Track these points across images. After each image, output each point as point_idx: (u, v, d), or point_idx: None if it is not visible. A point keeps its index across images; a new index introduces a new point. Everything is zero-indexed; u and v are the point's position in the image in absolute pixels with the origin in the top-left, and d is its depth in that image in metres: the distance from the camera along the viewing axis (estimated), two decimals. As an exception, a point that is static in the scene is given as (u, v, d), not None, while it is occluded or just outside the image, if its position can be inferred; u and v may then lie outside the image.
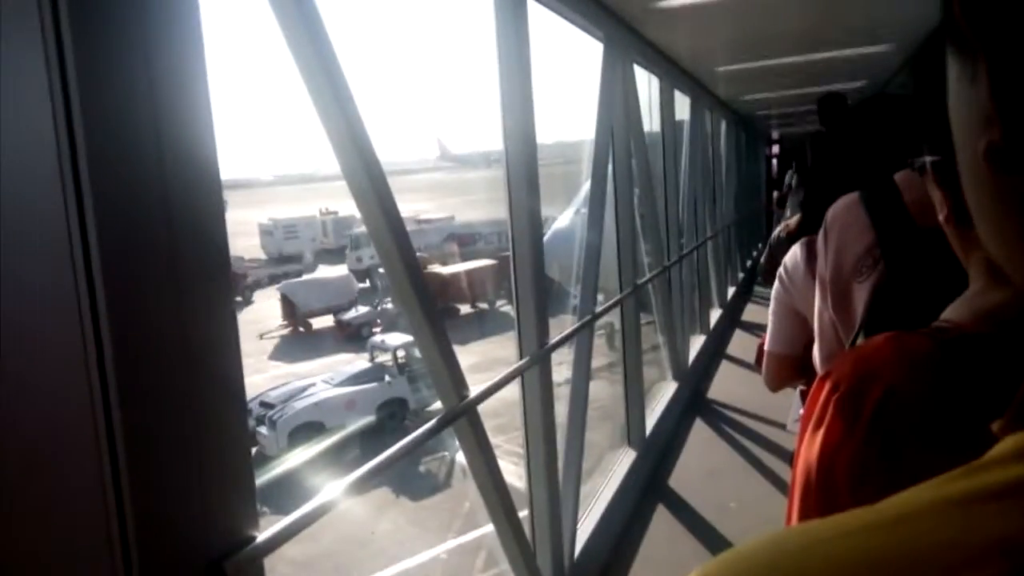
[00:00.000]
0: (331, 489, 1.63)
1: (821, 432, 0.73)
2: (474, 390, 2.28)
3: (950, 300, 1.13)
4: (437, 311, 2.20)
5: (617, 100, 4.32)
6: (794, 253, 1.80)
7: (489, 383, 2.43)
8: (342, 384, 16.10)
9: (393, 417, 15.85)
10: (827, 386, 0.75)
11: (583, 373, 3.68)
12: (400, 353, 16.68)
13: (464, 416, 2.22)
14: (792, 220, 2.96)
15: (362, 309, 21.99)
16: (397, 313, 21.39)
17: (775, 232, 3.10)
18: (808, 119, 11.92)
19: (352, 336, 20.59)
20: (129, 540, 1.02)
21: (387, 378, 16.43)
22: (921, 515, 0.27)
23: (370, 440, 14.55)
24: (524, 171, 2.83)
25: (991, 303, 0.71)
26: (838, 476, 0.71)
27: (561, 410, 3.32)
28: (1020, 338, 0.66)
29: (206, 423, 1.16)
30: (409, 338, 17.41)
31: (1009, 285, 0.73)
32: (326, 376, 16.79)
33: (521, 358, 2.81)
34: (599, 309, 3.86)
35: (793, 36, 5.21)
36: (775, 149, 16.16)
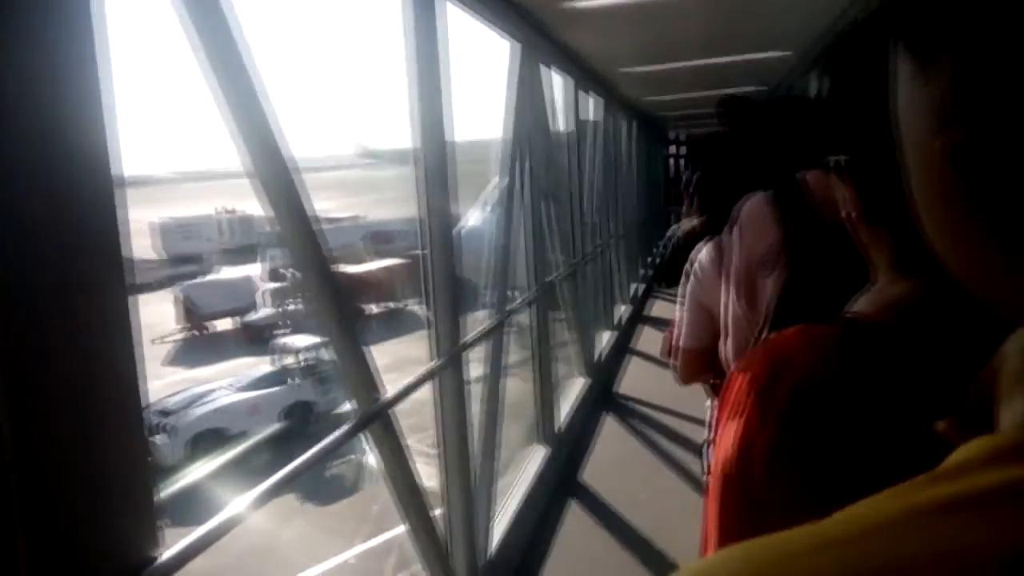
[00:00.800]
0: (239, 502, 1.56)
1: (737, 422, 0.75)
2: (388, 392, 2.23)
3: (851, 294, 1.18)
4: (350, 312, 2.15)
5: (527, 101, 4.34)
6: (703, 251, 1.85)
7: (403, 384, 2.39)
8: (244, 389, 15.56)
9: (299, 421, 15.44)
10: (742, 376, 0.76)
11: (496, 371, 3.68)
12: (306, 355, 16.27)
13: (378, 419, 2.17)
14: (695, 221, 3.04)
15: (266, 310, 21.36)
16: (303, 314, 20.88)
17: (673, 234, 3.18)
18: (707, 121, 12.33)
19: (256, 339, 19.93)
20: (20, 569, 0.94)
21: (292, 381, 15.98)
22: (895, 526, 0.26)
23: (279, 445, 14.16)
24: (437, 170, 2.80)
25: (895, 295, 0.74)
26: (755, 464, 0.72)
27: (475, 407, 3.32)
28: (922, 327, 0.70)
29: (100, 437, 1.08)
30: (316, 339, 17.02)
31: (912, 278, 0.77)
32: (227, 381, 16.18)
33: (435, 358, 2.78)
34: (511, 307, 3.86)
35: (694, 41, 5.37)
36: (675, 149, 16.63)
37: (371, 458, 2.39)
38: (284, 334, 19.37)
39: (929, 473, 0.26)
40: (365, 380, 2.16)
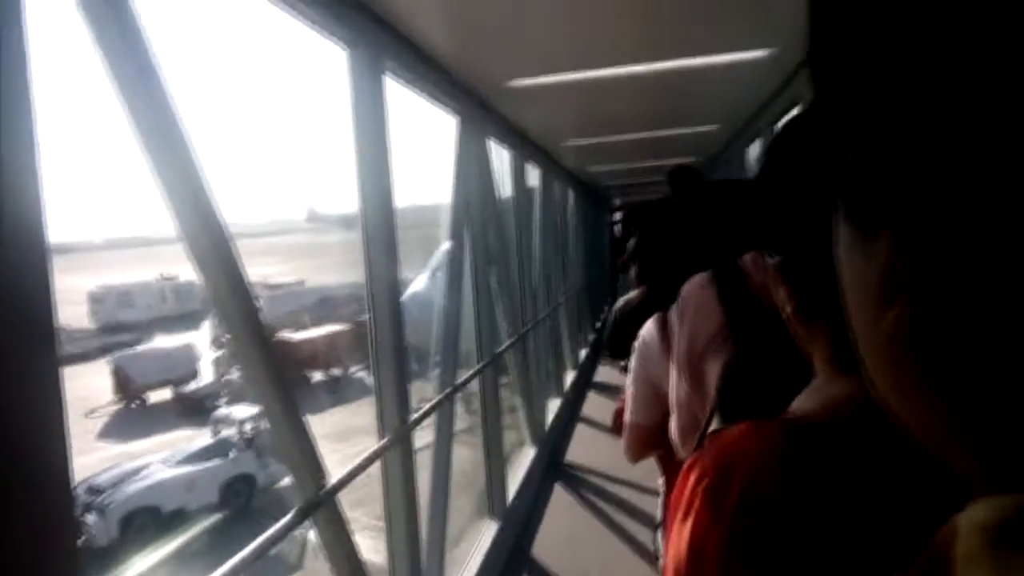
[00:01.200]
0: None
1: (689, 522, 0.74)
2: (333, 476, 2.17)
3: (797, 380, 1.20)
4: (290, 389, 2.08)
5: (473, 172, 4.40)
6: (649, 328, 1.86)
7: (349, 468, 2.32)
8: (181, 463, 14.93)
9: (238, 495, 14.84)
10: (692, 476, 0.76)
11: (445, 446, 3.62)
12: (248, 426, 15.76)
13: (323, 506, 2.10)
14: (634, 293, 3.08)
15: (206, 379, 20.71)
16: (244, 383, 20.29)
17: (616, 306, 3.21)
18: (649, 189, 12.70)
19: (194, 409, 19.26)
20: None
21: (232, 453, 15.42)
22: None
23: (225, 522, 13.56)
24: (382, 235, 2.80)
25: (834, 395, 0.75)
26: (707, 565, 0.72)
27: (422, 478, 3.24)
28: (864, 429, 0.71)
29: (26, 526, 1.02)
30: (257, 409, 16.51)
31: (850, 377, 0.78)
32: (163, 455, 15.51)
33: (382, 436, 2.72)
34: (459, 380, 3.83)
35: (630, 117, 5.58)
36: (617, 216, 17.00)
37: (314, 534, 2.29)
38: (224, 404, 18.79)
39: None
40: (308, 463, 2.09)
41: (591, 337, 11.24)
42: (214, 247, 1.76)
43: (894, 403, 0.36)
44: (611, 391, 8.00)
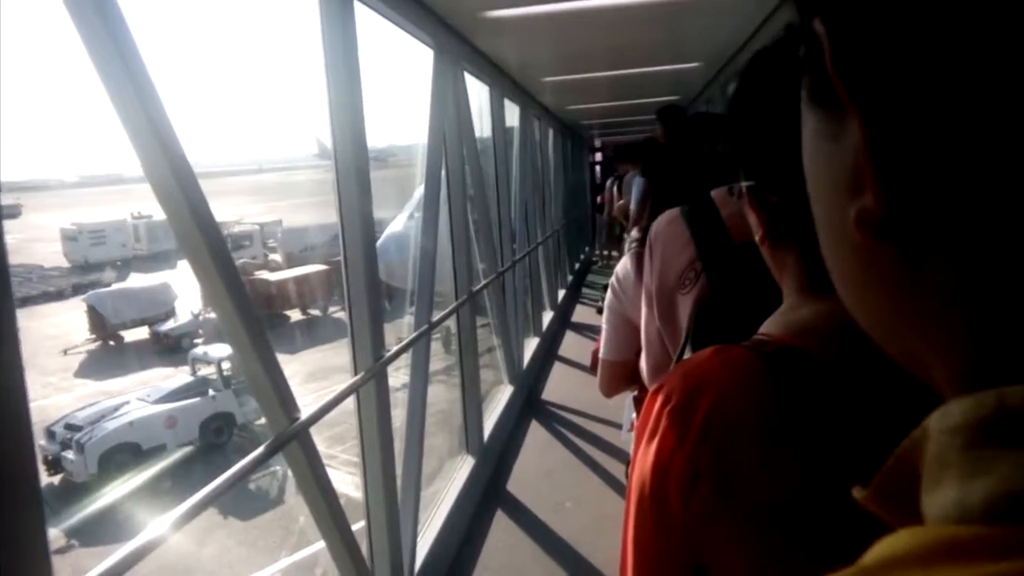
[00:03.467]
0: (156, 525, 1.50)
1: (654, 443, 0.75)
2: (306, 410, 2.16)
3: (768, 312, 1.20)
4: (261, 325, 2.06)
5: (449, 107, 4.31)
6: (624, 264, 1.86)
7: (321, 403, 2.32)
8: (160, 401, 14.93)
9: (220, 433, 14.95)
10: (659, 399, 0.77)
11: (421, 383, 3.63)
12: (226, 365, 15.77)
13: (295, 439, 2.09)
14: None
15: (184, 318, 20.59)
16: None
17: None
18: (629, 129, 12.60)
19: (171, 348, 19.19)
20: None
21: (211, 392, 15.46)
22: None
23: (206, 457, 13.67)
24: (355, 174, 2.74)
25: (802, 318, 0.76)
26: (671, 484, 0.73)
27: (398, 416, 3.27)
28: (830, 349, 0.71)
29: None
30: (235, 349, 16.50)
31: (819, 298, 0.78)
32: (142, 393, 15.51)
33: (356, 372, 2.71)
34: (436, 317, 3.82)
35: (611, 52, 5.47)
36: (598, 156, 16.90)
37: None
38: (203, 343, 18.74)
39: (851, 570, 0.24)
40: (281, 398, 2.08)
41: (570, 278, 11.28)
42: (181, 187, 1.71)
43: (862, 306, 0.34)
44: (588, 331, 8.07)
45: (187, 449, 13.94)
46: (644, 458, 0.76)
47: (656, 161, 3.17)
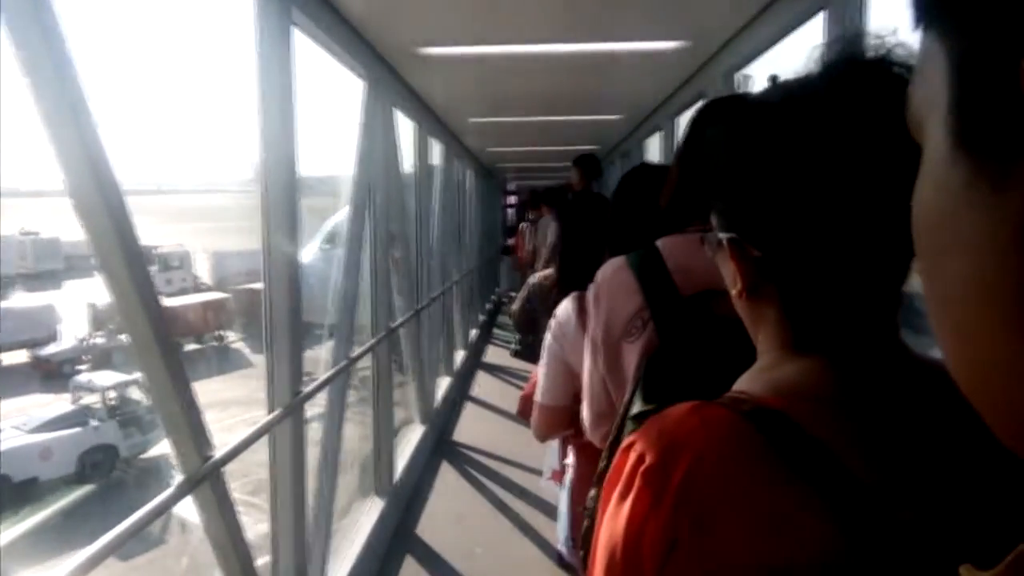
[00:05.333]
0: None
1: (626, 505, 0.71)
2: (220, 449, 2.03)
3: (720, 364, 1.20)
4: (178, 353, 1.93)
5: (378, 140, 4.27)
6: (566, 307, 1.85)
7: (237, 440, 2.18)
8: (36, 430, 13.92)
9: (98, 467, 14.02)
10: (631, 457, 0.73)
11: (337, 421, 3.50)
12: (111, 394, 14.87)
13: (207, 480, 1.96)
14: (549, 272, 3.09)
15: (67, 342, 19.36)
16: (110, 348, 19.12)
17: (532, 281, 3.21)
18: (545, 175, 12.84)
19: (52, 375, 17.97)
20: None
21: (93, 422, 14.51)
22: None
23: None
24: (283, 202, 2.65)
25: (785, 377, 0.74)
26: (645, 548, 0.69)
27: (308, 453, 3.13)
28: (815, 413, 0.70)
29: None
30: (125, 377, 15.61)
31: (799, 358, 0.77)
32: (16, 422, 14.41)
33: (272, 407, 2.58)
34: (355, 354, 3.71)
35: (536, 99, 5.58)
36: (511, 199, 17.13)
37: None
38: (87, 369, 17.65)
39: None
40: (194, 433, 1.94)
41: (482, 318, 11.28)
42: (105, 205, 1.60)
43: (1010, 379, 0.30)
44: (500, 371, 8.05)
45: (86, 488, 12.97)
46: (615, 520, 0.72)
47: (572, 207, 3.25)
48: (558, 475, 2.37)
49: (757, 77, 3.87)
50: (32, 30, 1.44)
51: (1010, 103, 0.25)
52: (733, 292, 0.81)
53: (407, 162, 5.60)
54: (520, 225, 10.87)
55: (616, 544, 0.71)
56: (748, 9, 3.15)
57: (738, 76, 3.85)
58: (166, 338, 1.82)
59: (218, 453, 2.00)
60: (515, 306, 3.39)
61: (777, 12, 2.99)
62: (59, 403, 15.79)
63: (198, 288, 24.42)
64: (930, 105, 0.32)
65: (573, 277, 2.63)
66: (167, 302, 21.30)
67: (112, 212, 1.63)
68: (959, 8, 0.28)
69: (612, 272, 1.44)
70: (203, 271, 25.81)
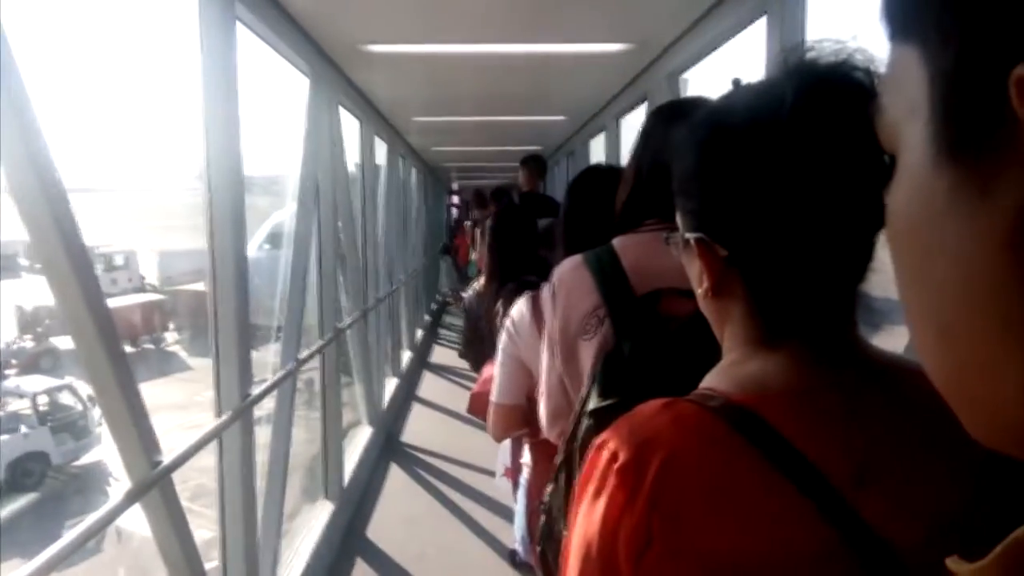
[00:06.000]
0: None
1: (600, 502, 0.72)
2: (169, 454, 1.98)
3: (677, 362, 1.23)
4: (125, 356, 1.87)
5: (323, 137, 4.21)
6: (520, 307, 1.86)
7: (185, 446, 2.13)
8: (-39, 439, 13.30)
9: (29, 475, 13.45)
10: (603, 455, 0.74)
11: (285, 423, 3.44)
12: (42, 399, 14.29)
13: (156, 487, 1.91)
14: (479, 283, 3.12)
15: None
16: (39, 352, 18.37)
17: (467, 299, 3.23)
18: (490, 173, 12.84)
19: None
20: None
21: (23, 429, 13.92)
22: None
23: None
24: (229, 200, 2.59)
25: (751, 373, 0.76)
26: (620, 544, 0.70)
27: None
28: (784, 407, 0.72)
29: None
30: (56, 382, 15.02)
31: (766, 353, 0.80)
32: (-62, 430, 13.75)
33: (220, 411, 2.53)
34: (303, 355, 3.65)
35: (480, 99, 5.59)
36: (455, 199, 17.08)
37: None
38: (14, 375, 16.92)
39: None
40: (143, 439, 1.89)
41: (427, 319, 11.23)
42: (48, 204, 1.55)
43: (997, 375, 0.31)
44: (447, 372, 8.02)
45: (19, 498, 12.39)
46: (589, 518, 0.73)
47: (510, 208, 3.28)
48: (511, 473, 2.39)
49: (701, 79, 3.96)
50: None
51: (995, 112, 0.27)
52: (699, 291, 0.83)
53: (352, 161, 5.55)
54: (464, 223, 10.85)
55: (591, 541, 0.72)
56: (692, 13, 3.22)
57: (681, 79, 3.93)
58: (113, 340, 1.77)
59: (167, 458, 1.95)
60: (463, 335, 3.39)
61: (720, 16, 3.05)
62: (-16, 411, 15.12)
63: (143, 288, 23.60)
64: (907, 114, 0.33)
65: (506, 274, 2.68)
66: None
67: (55, 211, 1.58)
68: (942, 23, 0.29)
69: (569, 270, 1.45)
70: (149, 270, 24.94)
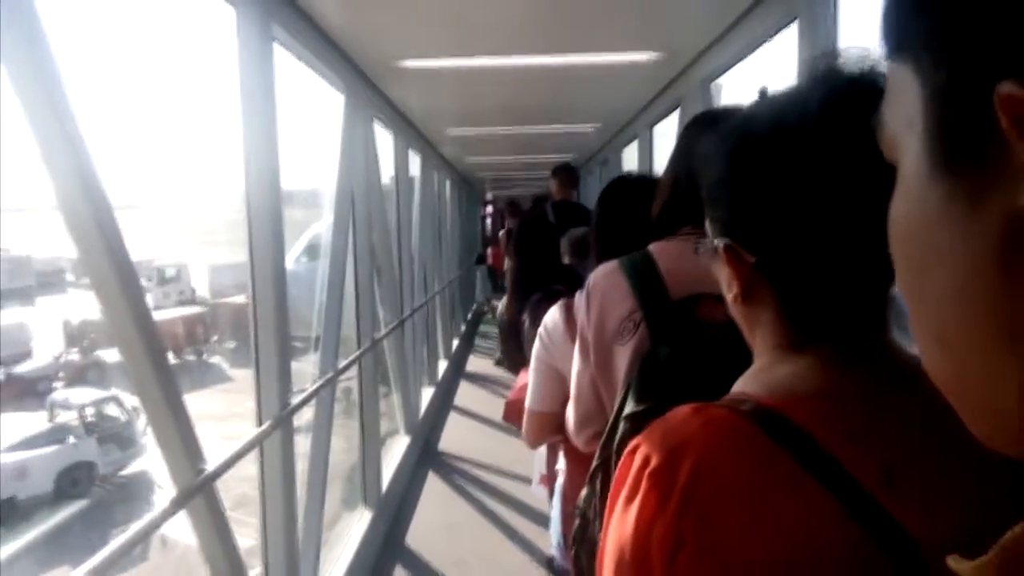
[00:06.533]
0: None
1: (633, 507, 0.73)
2: (212, 462, 2.03)
3: (711, 367, 1.23)
4: (169, 367, 1.94)
5: (358, 152, 4.29)
6: (553, 314, 1.88)
7: (229, 453, 2.19)
8: (12, 449, 13.65)
9: (77, 484, 13.79)
10: (636, 460, 0.75)
11: (325, 432, 3.50)
12: (89, 410, 14.65)
13: (200, 494, 1.96)
14: (503, 303, 3.15)
15: (41, 360, 19.03)
16: (85, 365, 18.84)
17: (500, 308, 3.26)
18: (523, 183, 12.89)
19: (26, 392, 17.65)
20: None
21: (71, 439, 14.27)
22: None
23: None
24: (268, 214, 2.66)
25: (781, 378, 0.77)
26: (653, 548, 0.71)
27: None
28: (817, 414, 0.72)
29: None
30: (102, 394, 15.39)
31: (795, 357, 0.80)
32: (-9, 440, 14.16)
33: (261, 420, 2.59)
34: (342, 364, 3.72)
35: (512, 109, 5.63)
36: (489, 209, 17.15)
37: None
38: (63, 387, 17.36)
39: None
40: (187, 447, 1.95)
41: (463, 328, 11.28)
42: (96, 220, 1.62)
43: (993, 381, 0.32)
44: (483, 380, 8.05)
45: (67, 507, 12.71)
46: (622, 522, 0.74)
47: (532, 219, 3.30)
48: (546, 480, 2.40)
49: (733, 85, 3.95)
50: (21, 49, 1.46)
51: (983, 127, 0.28)
52: (729, 296, 0.84)
53: (387, 173, 5.63)
54: (499, 233, 10.88)
55: (625, 545, 0.73)
56: (722, 21, 3.22)
57: (714, 85, 3.92)
58: (158, 351, 1.84)
59: (210, 466, 2.01)
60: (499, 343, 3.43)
61: (751, 23, 3.05)
62: (35, 421, 15.54)
63: (195, 300, 24.09)
64: (905, 127, 0.34)
65: (529, 284, 2.71)
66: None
67: (102, 227, 1.64)
68: (933, 44, 0.31)
69: (604, 274, 1.46)
70: (201, 283, 25.48)
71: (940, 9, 0.30)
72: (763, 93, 0.85)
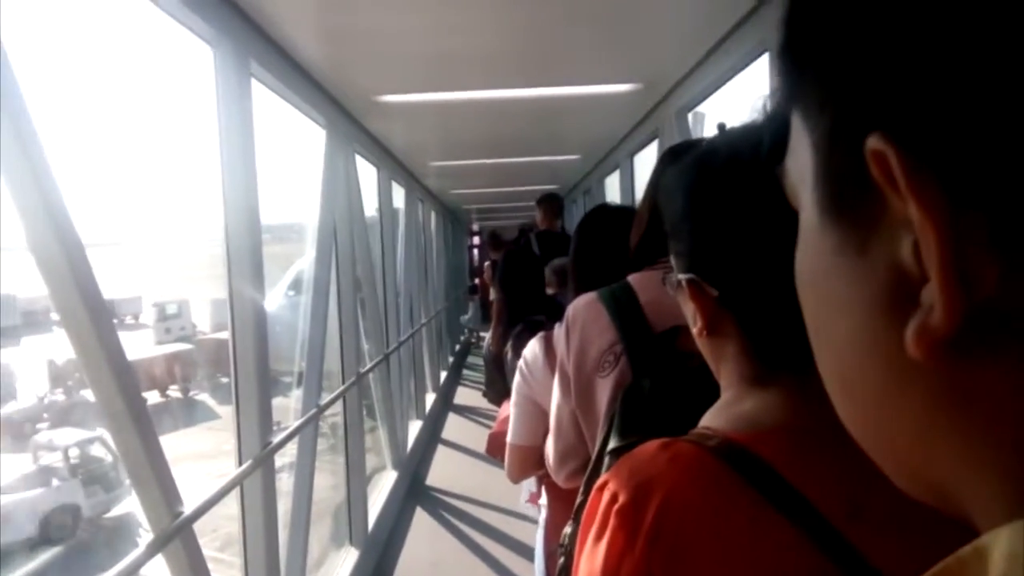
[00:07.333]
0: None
1: (602, 544, 0.73)
2: (189, 504, 2.00)
3: (694, 398, 1.22)
4: (146, 407, 1.91)
5: (340, 186, 4.29)
6: (533, 347, 1.87)
7: (206, 496, 2.15)
8: (-6, 495, 13.40)
9: (62, 528, 13.50)
10: (604, 497, 0.75)
11: (308, 470, 3.46)
12: (73, 452, 14.40)
13: (178, 537, 1.92)
14: (490, 335, 3.15)
15: (24, 401, 18.75)
16: (69, 405, 18.58)
17: (486, 349, 3.26)
18: (508, 213, 12.95)
19: (10, 434, 17.36)
20: None
21: (55, 482, 14.01)
22: None
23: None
24: (247, 250, 2.65)
25: (746, 412, 0.77)
26: None
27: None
28: (779, 448, 0.72)
29: None
30: (87, 434, 15.16)
31: (760, 391, 0.80)
32: (-31, 484, 13.86)
33: (241, 460, 2.55)
34: (324, 401, 3.68)
35: (494, 141, 5.68)
36: (476, 239, 17.21)
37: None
38: (47, 428, 17.09)
39: None
40: (164, 489, 1.91)
41: (450, 360, 11.24)
42: (67, 258, 1.60)
43: (882, 431, 0.33)
44: (471, 413, 8.01)
45: (49, 551, 12.44)
46: (591, 560, 0.74)
47: (514, 250, 3.30)
48: (535, 497, 2.37)
49: (709, 114, 4.00)
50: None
51: (862, 178, 0.28)
52: (694, 330, 0.85)
53: (370, 206, 5.63)
54: (484, 264, 10.89)
55: None
56: (696, 53, 3.27)
57: (697, 115, 3.97)
58: (133, 392, 1.81)
59: (188, 509, 1.97)
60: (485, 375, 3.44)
61: (724, 55, 3.10)
62: (19, 463, 15.26)
63: (196, 336, 23.88)
64: (800, 177, 0.35)
65: (513, 315, 2.71)
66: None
67: (74, 266, 1.63)
68: (815, 96, 0.31)
69: (583, 306, 1.45)
70: (201, 318, 25.31)
71: (819, 61, 0.31)
72: (721, 128, 0.85)
